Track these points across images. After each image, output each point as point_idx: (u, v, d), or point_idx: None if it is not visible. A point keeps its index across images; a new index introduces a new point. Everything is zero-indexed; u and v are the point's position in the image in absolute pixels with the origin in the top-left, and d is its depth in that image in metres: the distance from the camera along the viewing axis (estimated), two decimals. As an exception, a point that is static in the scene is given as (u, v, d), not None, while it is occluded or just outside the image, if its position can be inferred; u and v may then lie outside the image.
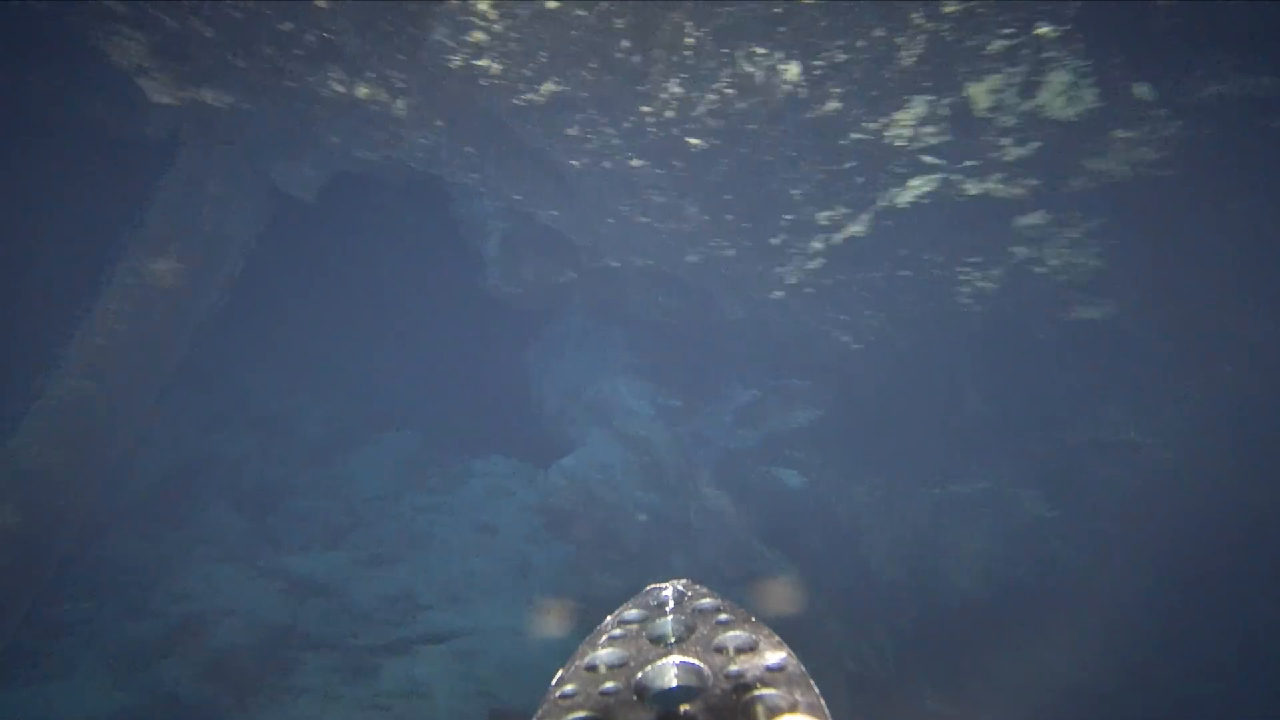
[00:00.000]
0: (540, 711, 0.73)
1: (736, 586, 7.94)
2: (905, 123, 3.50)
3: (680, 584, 0.92)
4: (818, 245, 4.64)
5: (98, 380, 3.67)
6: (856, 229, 4.54)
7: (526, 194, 4.08)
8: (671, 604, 0.87)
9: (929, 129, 3.55)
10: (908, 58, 3.11)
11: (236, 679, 6.30)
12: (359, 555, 8.50)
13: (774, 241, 4.51)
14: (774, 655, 0.74)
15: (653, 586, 0.93)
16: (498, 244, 5.71)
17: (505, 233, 5.66)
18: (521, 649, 7.03)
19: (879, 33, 3.12)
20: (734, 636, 0.78)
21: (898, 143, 3.74)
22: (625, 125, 3.45)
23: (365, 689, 6.53)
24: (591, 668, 0.77)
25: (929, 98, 3.35)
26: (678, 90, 3.33)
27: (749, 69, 3.21)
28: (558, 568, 8.03)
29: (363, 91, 3.37)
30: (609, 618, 0.88)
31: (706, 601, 0.86)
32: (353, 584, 7.85)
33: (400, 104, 3.48)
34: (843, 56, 3.14)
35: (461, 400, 10.84)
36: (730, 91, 3.32)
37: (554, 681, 0.78)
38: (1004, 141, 3.60)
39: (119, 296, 3.77)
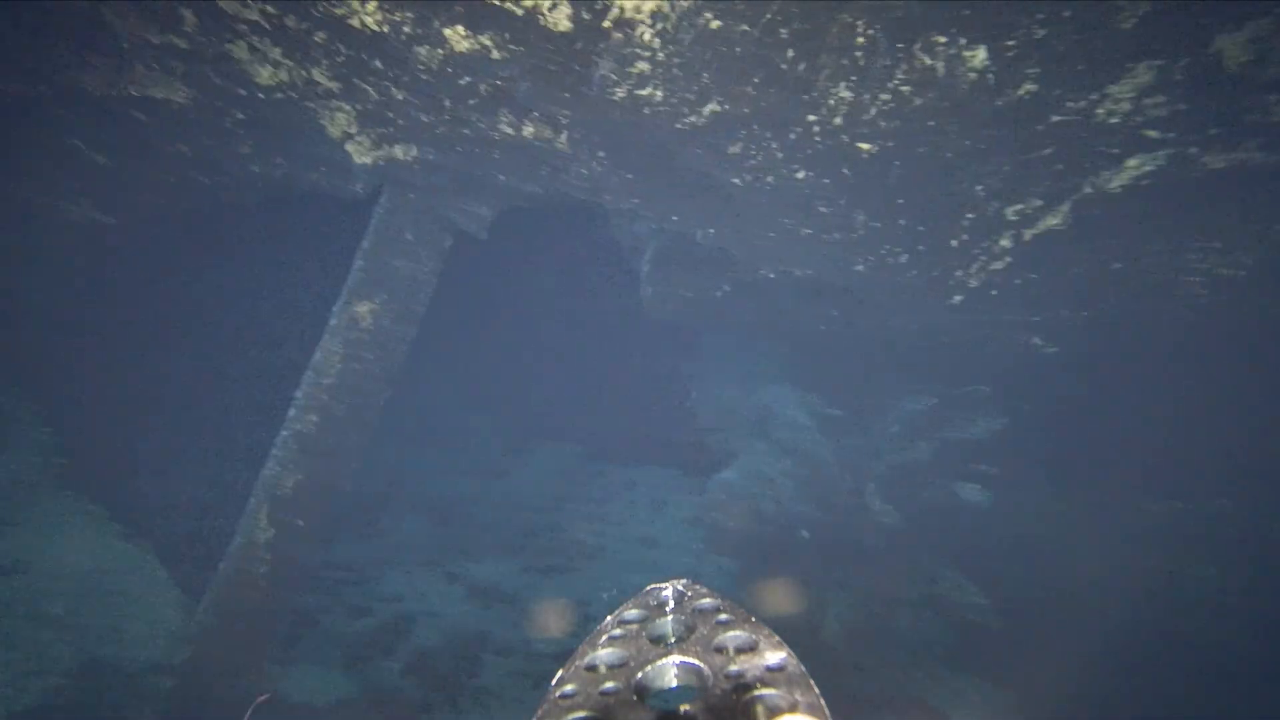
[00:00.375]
0: (540, 711, 0.71)
1: (922, 609, 7.37)
2: (1123, 95, 3.02)
3: (680, 584, 0.89)
4: (1005, 243, 4.18)
5: (322, 416, 4.11)
6: (1053, 221, 4.04)
7: (684, 215, 4.05)
8: (671, 604, 0.85)
9: (1155, 99, 3.04)
10: (1129, 19, 2.68)
11: (438, 677, 6.84)
12: (534, 564, 8.94)
13: (953, 243, 4.12)
14: (774, 655, 0.73)
15: (653, 586, 0.90)
16: (651, 261, 5.74)
17: (659, 250, 5.68)
18: (692, 665, 7.00)
19: (1086, -1, 2.73)
20: (734, 636, 0.76)
21: (1111, 120, 3.25)
22: (790, 137, 3.30)
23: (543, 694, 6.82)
24: (592, 668, 0.75)
25: (1158, 62, 2.86)
26: (847, 95, 3.13)
27: (928, 61, 2.94)
28: (726, 582, 7.92)
29: (529, 130, 3.52)
30: (609, 618, 0.85)
31: (706, 601, 0.84)
32: (530, 592, 8.26)
33: (563, 138, 3.59)
34: (1042, 31, 2.77)
35: (620, 414, 11.10)
36: (906, 89, 3.07)
37: (554, 681, 0.75)
38: (1272, 99, 2.98)
39: (336, 339, 4.21)
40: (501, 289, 11.52)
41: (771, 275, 5.32)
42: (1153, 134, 3.49)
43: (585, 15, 2.96)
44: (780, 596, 7.46)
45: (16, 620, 4.09)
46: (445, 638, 7.15)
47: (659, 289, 5.96)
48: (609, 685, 0.73)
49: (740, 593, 7.78)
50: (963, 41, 2.89)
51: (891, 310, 5.21)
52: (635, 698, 0.71)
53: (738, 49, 2.93)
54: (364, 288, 4.23)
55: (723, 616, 0.81)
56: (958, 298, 4.45)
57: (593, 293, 9.81)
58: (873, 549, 7.24)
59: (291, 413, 4.19)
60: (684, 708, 0.68)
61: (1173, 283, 4.54)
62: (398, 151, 3.69)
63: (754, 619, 0.81)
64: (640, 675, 0.73)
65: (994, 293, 4.47)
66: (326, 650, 7.46)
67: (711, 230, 4.14)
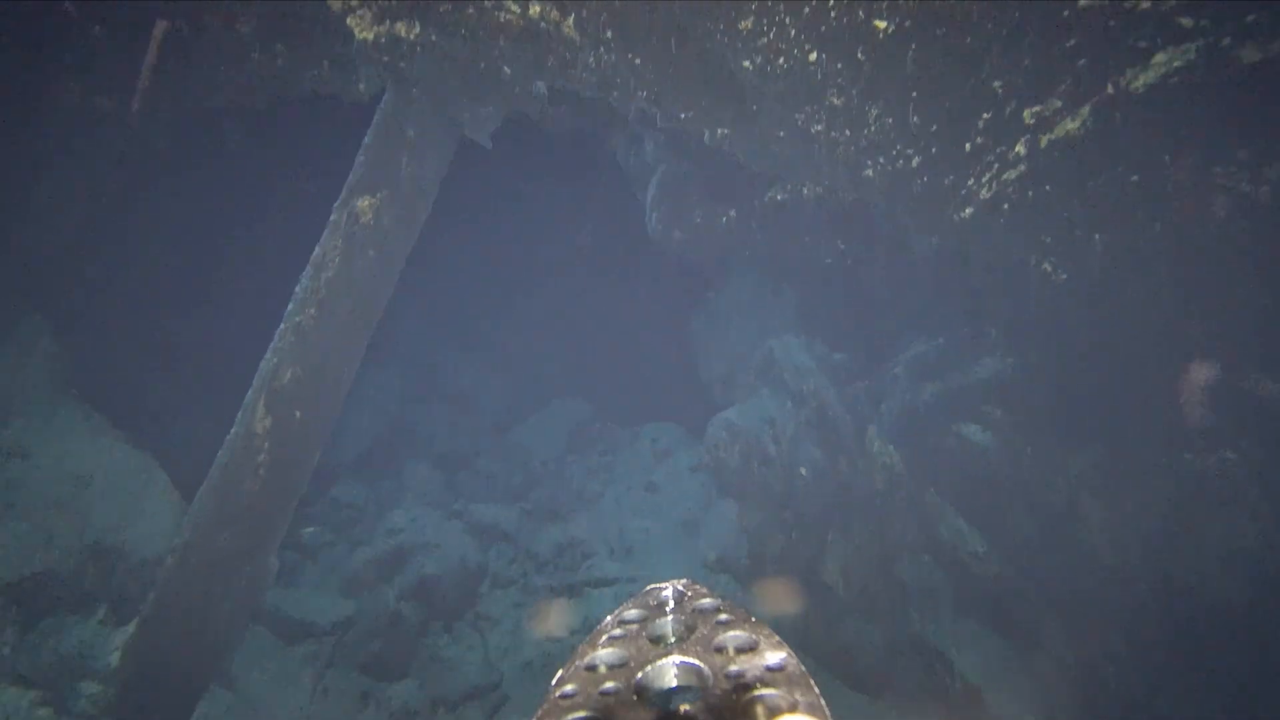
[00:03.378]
0: (540, 711, 0.70)
1: (922, 554, 7.24)
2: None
3: (680, 584, 0.90)
4: (1020, 150, 3.99)
5: (320, 310, 4.01)
6: (1071, 125, 3.84)
7: (694, 111, 3.89)
8: (671, 604, 0.85)
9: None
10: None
11: (438, 603, 6.82)
12: (536, 510, 8.89)
13: (967, 147, 3.94)
14: (774, 655, 0.72)
15: (653, 586, 0.90)
16: (658, 184, 5.58)
17: (666, 174, 5.52)
18: (690, 600, 6.93)
19: None
20: (734, 636, 0.76)
21: (1143, 4, 3.06)
22: (805, 10, 3.12)
23: (554, 620, 6.79)
24: (591, 668, 0.75)
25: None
26: (862, -35, 2.95)
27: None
28: (728, 527, 7.83)
29: (535, 9, 3.37)
30: (609, 617, 0.85)
31: (706, 601, 0.84)
32: (530, 535, 8.22)
33: (570, 22, 3.44)
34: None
35: (628, 370, 10.99)
36: (925, -44, 2.88)
37: (554, 681, 0.75)
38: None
39: (336, 235, 4.09)
40: (510, 243, 11.38)
41: (780, 197, 5.15)
42: (1186, 21, 3.30)
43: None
44: (780, 541, 7.35)
45: (22, 496, 4.05)
46: (443, 568, 7.12)
47: (665, 215, 5.80)
48: (609, 685, 0.72)
49: (740, 539, 7.68)
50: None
51: (901, 231, 5.03)
52: (635, 698, 0.70)
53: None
54: (365, 183, 4.11)
55: (723, 616, 0.81)
56: (969, 210, 4.27)
57: (599, 233, 9.65)
58: (874, 492, 7.11)
59: (290, 306, 4.09)
60: (684, 708, 0.68)
61: (1194, 201, 4.34)
62: (400, 28, 3.55)
63: (754, 619, 0.80)
64: (640, 675, 0.73)
65: (1005, 206, 4.28)
66: (326, 578, 7.46)
67: (722, 130, 3.98)
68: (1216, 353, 5.64)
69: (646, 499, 8.71)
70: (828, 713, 0.68)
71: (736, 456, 7.17)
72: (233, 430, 4.01)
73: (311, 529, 8.13)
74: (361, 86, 4.23)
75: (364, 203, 4.07)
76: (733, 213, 5.40)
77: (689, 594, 0.88)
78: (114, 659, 3.52)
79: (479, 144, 4.67)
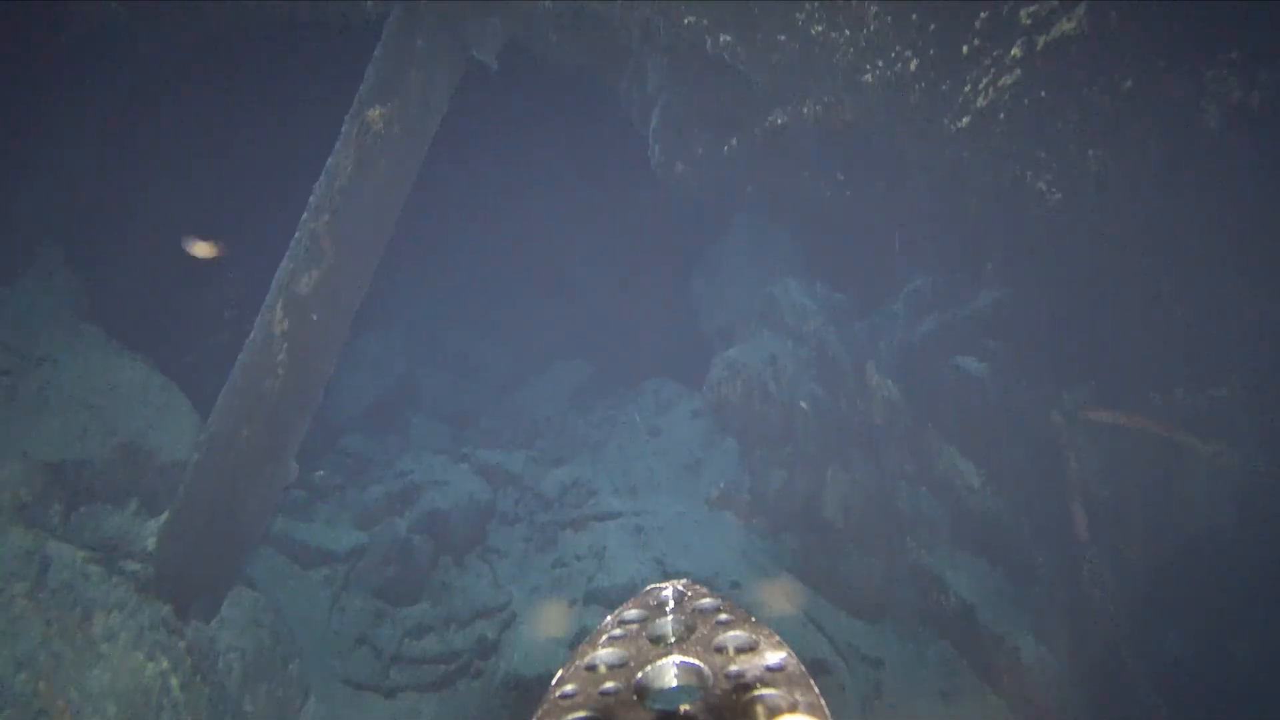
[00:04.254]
0: (540, 711, 0.70)
1: (914, 484, 7.37)
2: None
3: (680, 584, 0.89)
4: (1016, 53, 4.06)
5: (334, 217, 4.10)
6: (1067, 26, 3.91)
7: (699, 15, 3.96)
8: (671, 604, 0.84)
9: None
10: None
11: (448, 537, 6.98)
12: (542, 457, 9.04)
13: (964, 49, 4.01)
14: (774, 655, 0.72)
15: (653, 586, 0.90)
16: (659, 113, 5.64)
17: (669, 103, 5.58)
18: (692, 529, 7.07)
19: None
20: (734, 636, 0.75)
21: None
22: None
23: (549, 555, 6.94)
24: (592, 667, 0.74)
25: None
26: None
27: None
28: (730, 465, 7.97)
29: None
30: (609, 617, 0.85)
31: (706, 601, 0.84)
32: (536, 477, 8.36)
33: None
34: None
35: (630, 332, 11.08)
36: None
37: (554, 681, 0.74)
38: None
39: (348, 146, 4.18)
40: (503, 207, 11.41)
41: (781, 120, 5.22)
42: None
43: None
44: (781, 476, 7.48)
45: (54, 395, 4.16)
46: (452, 503, 7.27)
47: (667, 146, 5.87)
48: (609, 685, 0.72)
49: (742, 476, 7.81)
50: None
51: (899, 155, 5.10)
52: (635, 698, 0.70)
53: None
54: (375, 94, 4.19)
55: (722, 616, 0.80)
56: (965, 119, 4.34)
57: (600, 193, 9.70)
58: (872, 426, 7.23)
59: (305, 215, 4.19)
60: (684, 708, 0.67)
61: (1185, 110, 4.41)
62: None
63: (754, 619, 0.80)
64: (640, 675, 0.73)
65: (1001, 116, 4.36)
66: (338, 515, 7.63)
67: (724, 37, 4.05)
68: (1207, 277, 5.72)
69: (650, 443, 8.84)
70: (828, 713, 0.67)
71: (738, 393, 7.28)
72: (252, 333, 4.12)
73: (322, 472, 8.29)
74: (369, 4, 4.30)
75: (374, 113, 4.16)
76: (734, 141, 5.47)
77: (689, 594, 0.87)
78: (150, 543, 3.66)
79: (485, 69, 4.74)
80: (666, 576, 6.40)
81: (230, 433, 3.94)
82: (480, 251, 11.92)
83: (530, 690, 4.92)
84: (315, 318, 4.02)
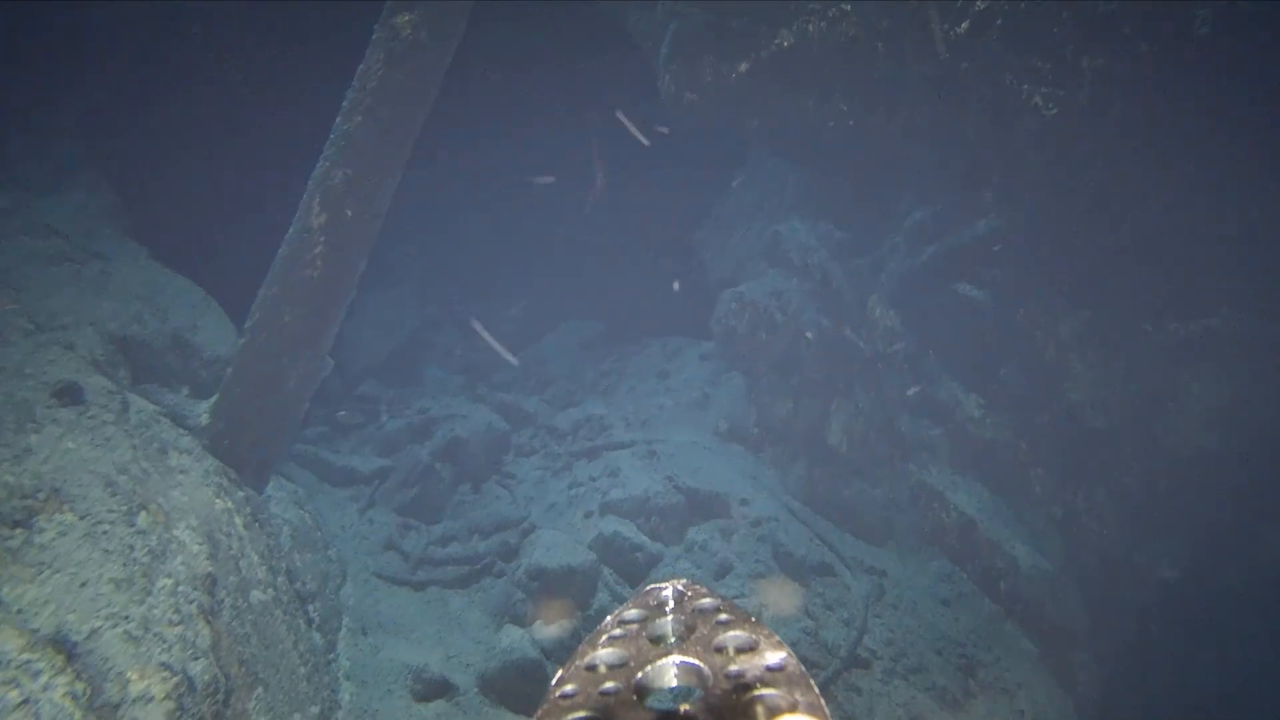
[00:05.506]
0: (540, 711, 0.70)
1: (915, 411, 7.59)
2: None
3: (680, 584, 0.89)
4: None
5: (366, 116, 4.33)
6: (1060, -71, 4.10)
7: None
8: (671, 604, 0.84)
9: None
10: None
11: (467, 463, 7.24)
12: (555, 399, 9.27)
13: (964, -48, 4.20)
14: (774, 655, 0.72)
15: (653, 586, 0.90)
16: (670, 42, 5.84)
17: (679, 30, 5.78)
18: (702, 455, 7.30)
19: None
20: (734, 636, 0.75)
21: None
22: None
23: (564, 479, 7.18)
24: (591, 667, 0.74)
25: None
26: None
27: None
28: (737, 399, 8.19)
29: None
30: (609, 618, 0.85)
31: (706, 601, 0.84)
32: (551, 415, 8.61)
33: None
34: None
35: (638, 290, 11.26)
36: None
37: (554, 681, 0.74)
38: None
39: (378, 50, 4.41)
40: (509, 165, 11.56)
41: (787, 42, 5.41)
42: None
43: None
44: (787, 406, 7.70)
45: (109, 284, 4.40)
46: (471, 432, 7.51)
47: (677, 75, 6.06)
48: (609, 685, 0.71)
49: (749, 409, 8.03)
50: None
51: (898, 72, 5.29)
52: (635, 697, 0.70)
53: None
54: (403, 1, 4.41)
55: (723, 616, 0.80)
56: (964, 24, 4.54)
57: (608, 146, 9.84)
58: (875, 355, 7.45)
59: (338, 118, 4.41)
60: (684, 708, 0.67)
61: (1176, 15, 4.58)
62: None
63: (754, 619, 0.79)
64: (640, 675, 0.72)
65: (999, 21, 4.55)
66: (361, 447, 7.88)
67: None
68: (1202, 187, 5.90)
69: (659, 383, 9.07)
70: (828, 713, 0.67)
71: (745, 325, 7.50)
72: (291, 228, 4.36)
73: (344, 412, 8.55)
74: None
75: (402, 19, 4.37)
76: (743, 67, 5.67)
77: (689, 594, 0.87)
78: (204, 419, 3.91)
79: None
80: (679, 492, 6.64)
81: (273, 317, 4.18)
82: (489, 209, 12.08)
83: (551, 580, 5.15)
84: (349, 213, 4.25)
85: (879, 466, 7.49)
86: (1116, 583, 6.94)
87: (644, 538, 5.85)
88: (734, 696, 0.67)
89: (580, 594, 5.09)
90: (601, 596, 5.18)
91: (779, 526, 6.29)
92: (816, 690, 0.67)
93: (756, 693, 0.67)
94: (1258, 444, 6.82)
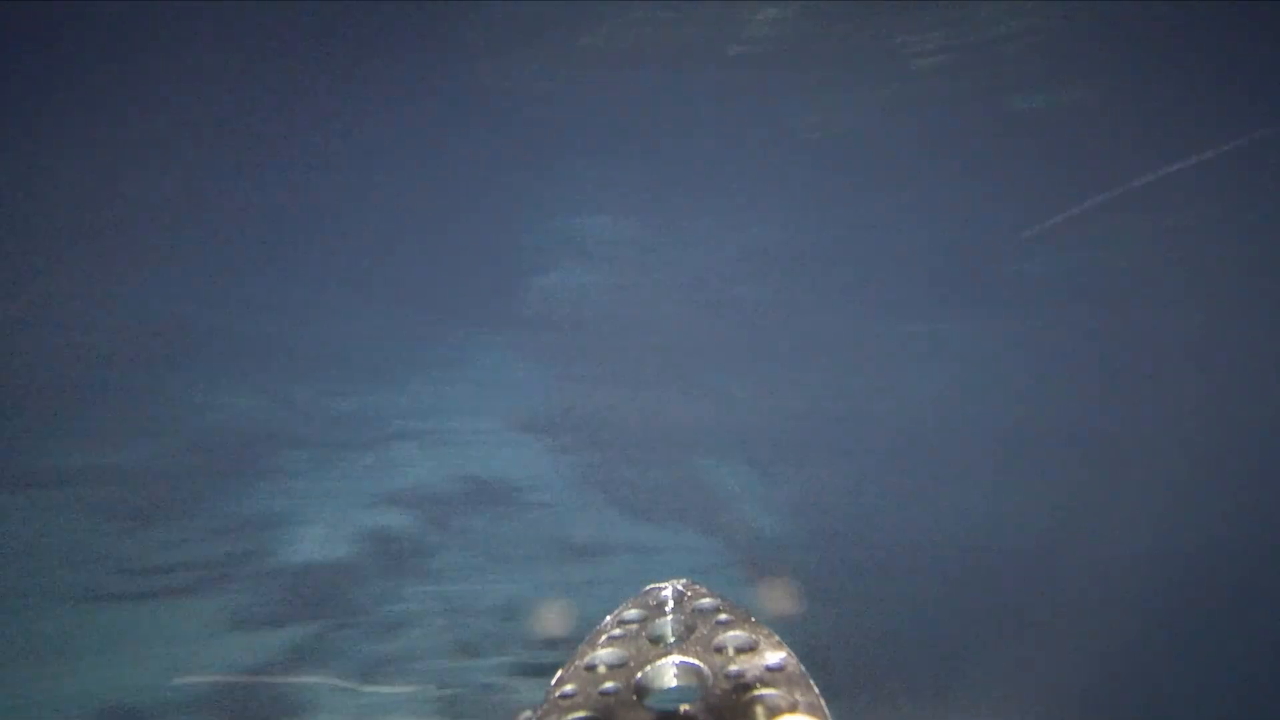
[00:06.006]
0: (540, 711, 0.70)
1: (693, 399, 8.09)
2: None
3: (680, 584, 0.89)
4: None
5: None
6: None
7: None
8: (671, 604, 0.85)
9: None
10: None
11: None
12: (337, 388, 8.57)
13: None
14: (774, 655, 0.72)
15: (652, 586, 0.89)
16: (488, 28, 5.65)
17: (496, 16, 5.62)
18: (495, 444, 7.24)
19: None
20: (734, 636, 0.75)
21: None
22: None
23: (338, 469, 6.71)
24: (591, 668, 0.75)
25: None
26: None
27: None
28: (535, 386, 8.16)
29: None
30: (609, 617, 0.85)
31: (706, 601, 0.84)
32: (328, 405, 7.96)
33: None
34: None
35: (443, 273, 10.72)
36: None
37: (554, 681, 0.74)
38: None
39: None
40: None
41: (594, 42, 5.46)
42: None
43: None
44: (578, 394, 7.81)
45: None
46: (241, 424, 6.72)
47: (498, 65, 5.87)
48: (609, 685, 0.71)
49: (544, 396, 8.03)
50: None
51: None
52: (635, 697, 0.70)
53: None
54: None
55: (722, 616, 0.80)
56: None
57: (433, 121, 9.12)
58: (662, 348, 7.80)
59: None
60: (684, 708, 0.67)
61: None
62: None
63: (754, 619, 0.79)
64: (640, 675, 0.72)
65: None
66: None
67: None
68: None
69: (457, 371, 8.77)
70: (827, 712, 0.66)
71: (545, 317, 7.50)
72: None
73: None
74: None
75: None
76: (562, 57, 5.63)
77: (689, 594, 0.86)
78: None
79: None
80: (460, 483, 6.47)
81: None
82: (309, 197, 10.76)
83: (306, 577, 4.80)
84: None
85: (653, 453, 7.86)
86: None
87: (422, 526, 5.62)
88: (734, 696, 0.67)
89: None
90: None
91: (574, 520, 6.39)
92: (816, 690, 0.67)
93: (756, 693, 0.67)
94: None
